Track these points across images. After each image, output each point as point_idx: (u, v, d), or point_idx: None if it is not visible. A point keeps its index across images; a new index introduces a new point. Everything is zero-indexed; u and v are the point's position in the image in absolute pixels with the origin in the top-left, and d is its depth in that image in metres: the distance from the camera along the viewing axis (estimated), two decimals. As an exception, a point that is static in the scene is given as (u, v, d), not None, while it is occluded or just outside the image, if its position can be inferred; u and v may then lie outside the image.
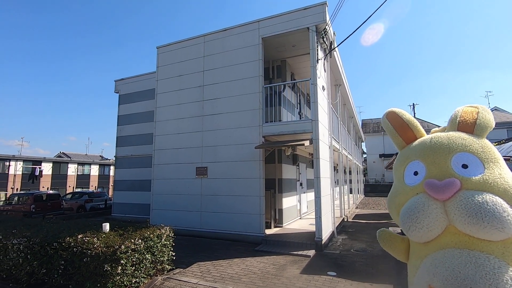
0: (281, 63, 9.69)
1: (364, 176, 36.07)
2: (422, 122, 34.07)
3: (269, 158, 9.15)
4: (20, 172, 27.37)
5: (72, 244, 4.59)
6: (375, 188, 30.65)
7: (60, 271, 4.65)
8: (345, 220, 11.13)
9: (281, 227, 8.79)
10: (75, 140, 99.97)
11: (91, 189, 33.83)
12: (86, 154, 42.67)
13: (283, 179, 9.11)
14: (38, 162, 28.81)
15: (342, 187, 11.95)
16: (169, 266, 5.27)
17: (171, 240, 5.44)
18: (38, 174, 27.81)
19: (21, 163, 27.53)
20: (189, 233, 8.28)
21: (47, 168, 29.59)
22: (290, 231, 8.34)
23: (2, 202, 22.27)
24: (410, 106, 30.19)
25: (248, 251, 6.68)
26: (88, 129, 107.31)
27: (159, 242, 5.06)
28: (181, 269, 5.35)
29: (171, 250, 5.41)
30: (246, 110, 8.02)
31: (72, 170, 32.92)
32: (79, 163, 34.01)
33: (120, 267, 4.28)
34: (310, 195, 11.70)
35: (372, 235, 8.55)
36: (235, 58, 8.39)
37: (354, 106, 17.04)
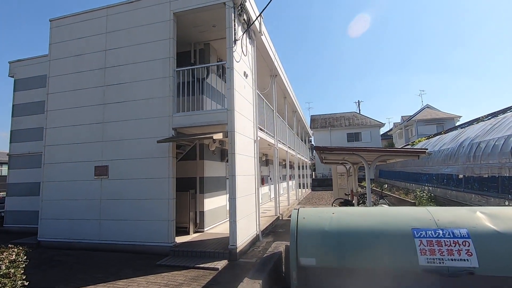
0: (205, 46, 8.56)
1: (314, 171, 36.81)
2: (365, 118, 35.76)
3: (190, 154, 8.03)
4: None
5: None
6: (323, 182, 31.36)
7: None
8: (280, 218, 10.52)
9: (202, 232, 7.76)
10: (7, 136, 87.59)
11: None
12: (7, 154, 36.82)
13: (205, 178, 8.06)
14: None
15: (277, 183, 11.30)
16: (15, 303, 3.89)
17: (21, 266, 4.06)
18: None
19: None
20: (86, 246, 6.82)
21: None
22: (211, 236, 7.35)
23: None
24: (356, 102, 31.47)
25: (148, 266, 5.52)
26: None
27: (-7, 273, 3.67)
28: (33, 305, 4.00)
29: (22, 279, 4.03)
30: (155, 97, 6.76)
31: (-24, 172, 27.89)
32: (-13, 164, 28.94)
33: None
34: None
35: (301, 235, 7.94)
36: (143, 36, 7.05)
37: (296, 100, 16.63)
